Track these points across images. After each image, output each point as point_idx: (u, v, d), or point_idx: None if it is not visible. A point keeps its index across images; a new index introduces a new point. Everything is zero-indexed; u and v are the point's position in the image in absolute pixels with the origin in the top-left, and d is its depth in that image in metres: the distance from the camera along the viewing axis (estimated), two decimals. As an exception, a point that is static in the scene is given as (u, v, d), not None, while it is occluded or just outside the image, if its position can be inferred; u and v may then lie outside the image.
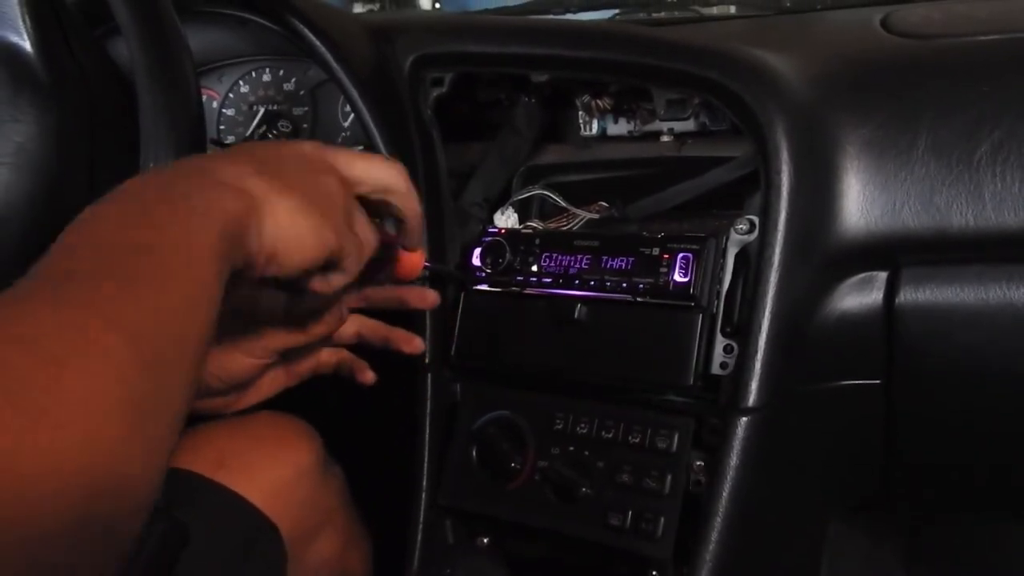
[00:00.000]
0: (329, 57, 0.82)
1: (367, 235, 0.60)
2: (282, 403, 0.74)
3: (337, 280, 0.60)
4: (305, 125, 1.00)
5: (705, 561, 0.71)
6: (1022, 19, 0.88)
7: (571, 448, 0.77)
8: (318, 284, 0.59)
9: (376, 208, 0.63)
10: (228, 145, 0.99)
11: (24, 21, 0.66)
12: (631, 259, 0.78)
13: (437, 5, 4.69)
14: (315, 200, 0.55)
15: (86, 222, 0.45)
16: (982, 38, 0.80)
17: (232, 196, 0.50)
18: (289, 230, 0.52)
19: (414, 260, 0.70)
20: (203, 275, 0.45)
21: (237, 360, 0.66)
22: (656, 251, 0.77)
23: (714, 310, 0.75)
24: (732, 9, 1.37)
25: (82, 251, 0.43)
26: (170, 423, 0.41)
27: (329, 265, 0.57)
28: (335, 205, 0.57)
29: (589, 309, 0.78)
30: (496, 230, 0.86)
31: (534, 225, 0.88)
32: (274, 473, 0.74)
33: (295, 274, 0.55)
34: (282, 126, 0.98)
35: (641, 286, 0.77)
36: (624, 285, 0.77)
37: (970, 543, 1.17)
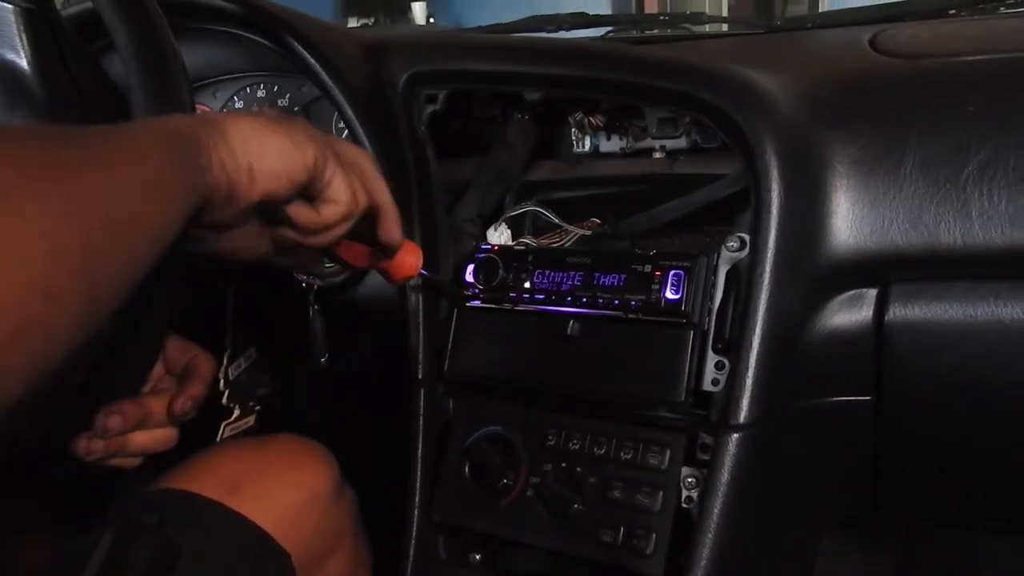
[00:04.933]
0: (323, 74, 0.83)
1: (350, 180, 0.60)
2: (281, 418, 0.75)
3: (327, 211, 0.60)
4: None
5: (696, 577, 0.71)
6: (1009, 39, 0.89)
7: (563, 464, 0.77)
8: (305, 214, 0.59)
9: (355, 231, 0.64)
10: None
11: (21, 38, 0.66)
12: (623, 276, 0.78)
13: (431, 20, 4.71)
14: (286, 125, 0.56)
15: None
16: (969, 58, 0.81)
17: (182, 120, 0.51)
18: (261, 142, 0.53)
19: (408, 261, 0.71)
20: (150, 172, 0.46)
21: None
22: (648, 268, 0.77)
23: (705, 327, 0.76)
24: (724, 27, 1.39)
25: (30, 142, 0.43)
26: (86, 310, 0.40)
27: (313, 195, 0.58)
28: (311, 133, 0.58)
29: (581, 325, 0.79)
30: (489, 247, 0.86)
31: (527, 242, 0.88)
32: (287, 497, 0.74)
33: (282, 194, 0.56)
34: None
35: (633, 303, 0.77)
36: (616, 302, 0.78)
37: (960, 557, 1.17)
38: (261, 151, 0.54)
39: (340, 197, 0.60)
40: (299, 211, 0.60)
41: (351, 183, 0.61)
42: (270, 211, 0.59)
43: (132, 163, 0.45)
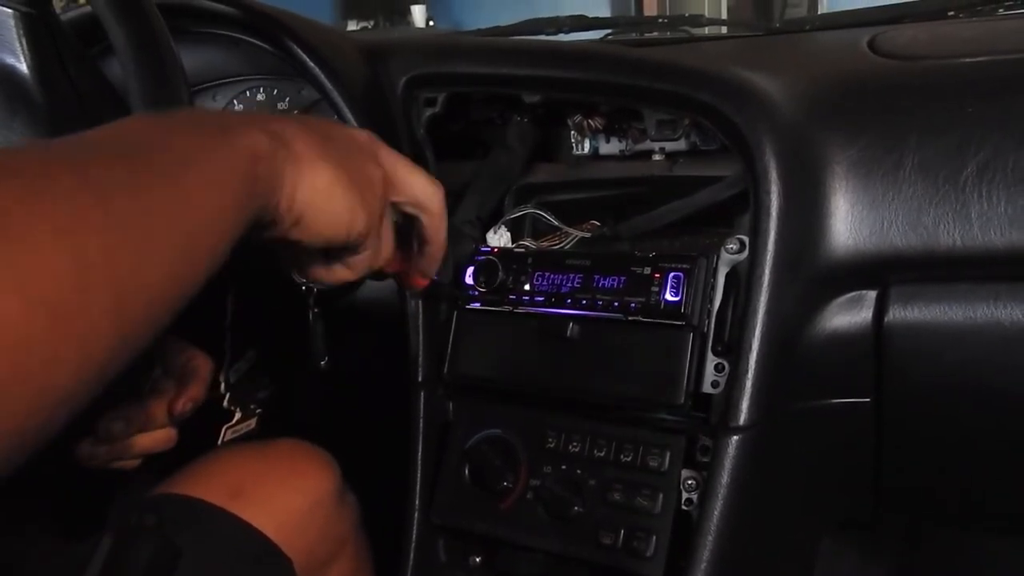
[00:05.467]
0: (322, 77, 0.83)
1: (389, 241, 0.59)
2: (282, 421, 0.75)
3: (351, 268, 0.58)
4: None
5: (697, 579, 0.71)
6: (1007, 40, 0.90)
7: (563, 466, 0.77)
8: (329, 272, 0.58)
9: (401, 228, 0.63)
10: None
11: (20, 42, 0.66)
12: (622, 278, 0.78)
13: (431, 23, 4.71)
14: (357, 180, 0.53)
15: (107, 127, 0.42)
16: (968, 59, 0.81)
17: (268, 139, 0.47)
18: (324, 199, 0.51)
19: (420, 280, 0.70)
20: (217, 198, 0.43)
21: None
22: (647, 270, 0.77)
23: (705, 329, 0.76)
24: (723, 30, 1.39)
25: (93, 137, 0.40)
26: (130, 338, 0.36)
27: (348, 249, 0.56)
28: (374, 194, 0.55)
29: (581, 328, 0.79)
30: (489, 249, 0.86)
31: (527, 244, 0.88)
32: (290, 502, 0.74)
33: (313, 246, 0.54)
34: None
35: (632, 305, 0.77)
36: (616, 304, 0.78)
37: (961, 558, 1.17)
38: (318, 210, 0.51)
39: (362, 262, 0.58)
40: (316, 271, 0.59)
41: (386, 241, 0.59)
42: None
43: (209, 193, 0.42)
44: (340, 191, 0.52)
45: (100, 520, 0.68)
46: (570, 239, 0.87)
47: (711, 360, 0.75)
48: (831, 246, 0.75)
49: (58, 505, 0.80)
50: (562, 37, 1.21)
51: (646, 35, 1.36)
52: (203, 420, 0.74)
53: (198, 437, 0.77)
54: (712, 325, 0.76)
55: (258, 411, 0.96)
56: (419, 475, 0.82)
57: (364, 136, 0.58)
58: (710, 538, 0.71)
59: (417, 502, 0.82)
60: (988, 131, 0.73)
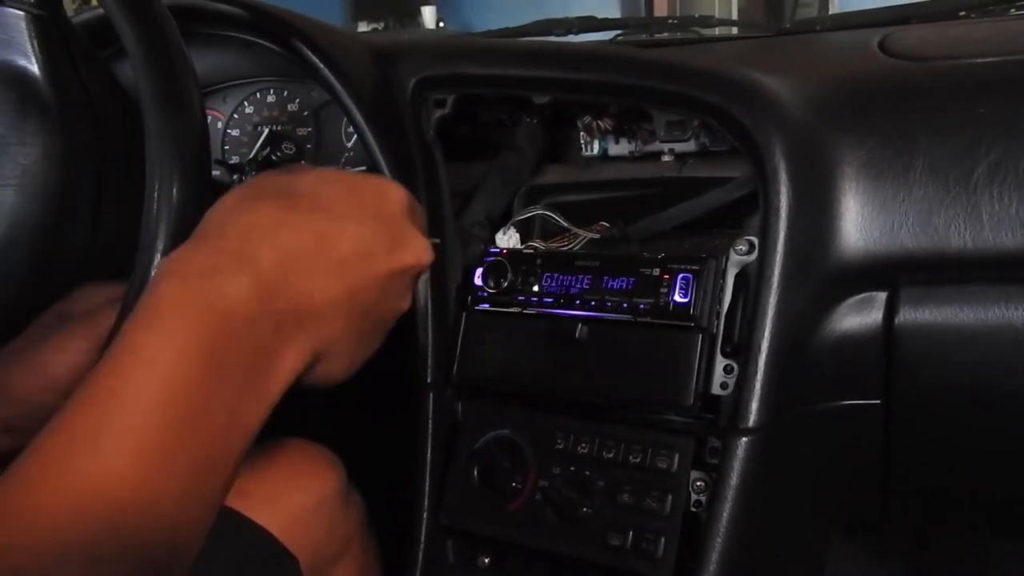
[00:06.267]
0: (332, 78, 0.83)
1: (427, 250, 0.62)
2: (288, 421, 0.75)
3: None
4: (309, 146, 1.01)
5: (705, 581, 0.71)
6: (1019, 41, 0.89)
7: (572, 468, 0.77)
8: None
9: None
10: (234, 165, 1.00)
11: (32, 44, 0.66)
12: (631, 279, 0.78)
13: (441, 24, 4.71)
14: (380, 320, 0.57)
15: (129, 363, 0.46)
16: (978, 60, 0.81)
17: (298, 352, 0.51)
18: (341, 370, 0.55)
19: None
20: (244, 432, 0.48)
21: None
22: (656, 271, 0.77)
23: (714, 330, 0.76)
24: (734, 30, 1.39)
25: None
26: None
27: None
28: (404, 288, 0.59)
29: (590, 329, 0.79)
30: (498, 250, 0.87)
31: (536, 245, 0.88)
32: (296, 502, 0.74)
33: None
34: (286, 147, 0.99)
35: (641, 306, 0.77)
36: (624, 305, 0.78)
37: (970, 561, 1.16)
38: (336, 375, 0.55)
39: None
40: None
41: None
42: None
43: (277, 382, 0.49)
44: (360, 354, 0.57)
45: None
46: (579, 240, 0.87)
47: (720, 361, 0.75)
48: (841, 247, 0.75)
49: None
50: (572, 38, 1.21)
51: (656, 36, 1.36)
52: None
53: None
54: (721, 326, 0.76)
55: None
56: (427, 476, 0.82)
57: (395, 209, 0.60)
58: (719, 540, 0.71)
59: (426, 503, 0.82)
60: (999, 132, 0.73)
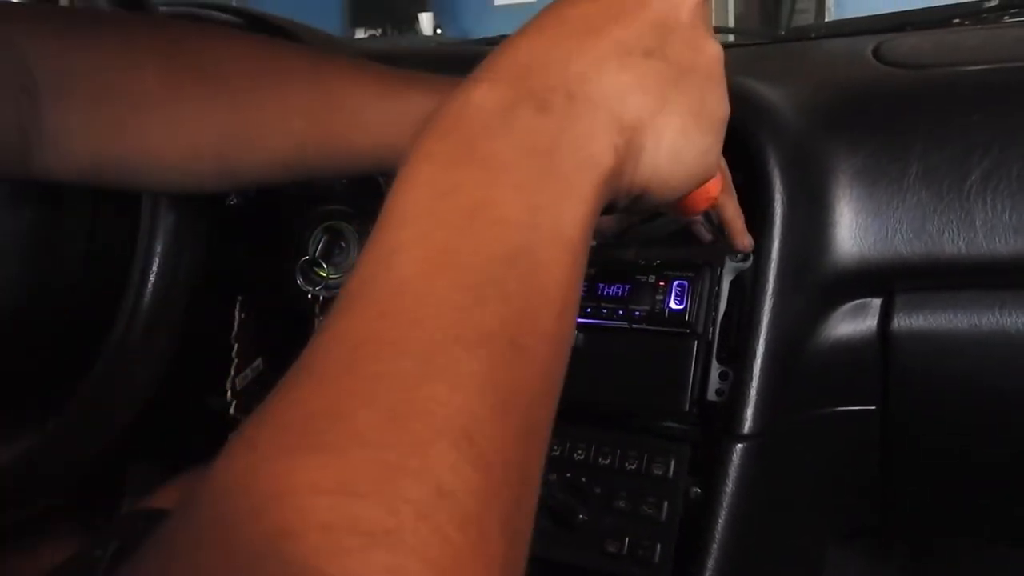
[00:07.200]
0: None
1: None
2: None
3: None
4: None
5: (702, 588, 0.71)
6: (1012, 49, 0.89)
7: (568, 474, 0.78)
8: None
9: None
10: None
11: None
12: (627, 286, 0.78)
13: (439, 31, 4.72)
14: (704, 112, 0.41)
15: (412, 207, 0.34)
16: (972, 68, 0.81)
17: (611, 139, 0.37)
18: (671, 161, 0.40)
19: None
20: (572, 293, 0.35)
21: None
22: (652, 278, 0.77)
23: (710, 337, 0.76)
24: (730, 38, 1.39)
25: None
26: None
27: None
28: (723, 120, 0.44)
29: (585, 336, 0.79)
30: (494, 257, 0.87)
31: (531, 252, 0.88)
32: None
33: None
34: None
35: (637, 313, 0.77)
36: (620, 312, 0.78)
37: (969, 567, 1.16)
38: (666, 171, 0.40)
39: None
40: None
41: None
42: None
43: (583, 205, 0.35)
44: (689, 143, 0.40)
45: (106, 529, 0.68)
46: (575, 247, 0.87)
47: (716, 368, 0.76)
48: (836, 254, 0.75)
49: (64, 513, 0.81)
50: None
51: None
52: (210, 429, 0.75)
53: (205, 446, 0.77)
54: (717, 333, 0.76)
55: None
56: (425, 483, 0.82)
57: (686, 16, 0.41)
58: (716, 546, 0.71)
59: (423, 510, 0.82)
60: (993, 139, 0.73)
